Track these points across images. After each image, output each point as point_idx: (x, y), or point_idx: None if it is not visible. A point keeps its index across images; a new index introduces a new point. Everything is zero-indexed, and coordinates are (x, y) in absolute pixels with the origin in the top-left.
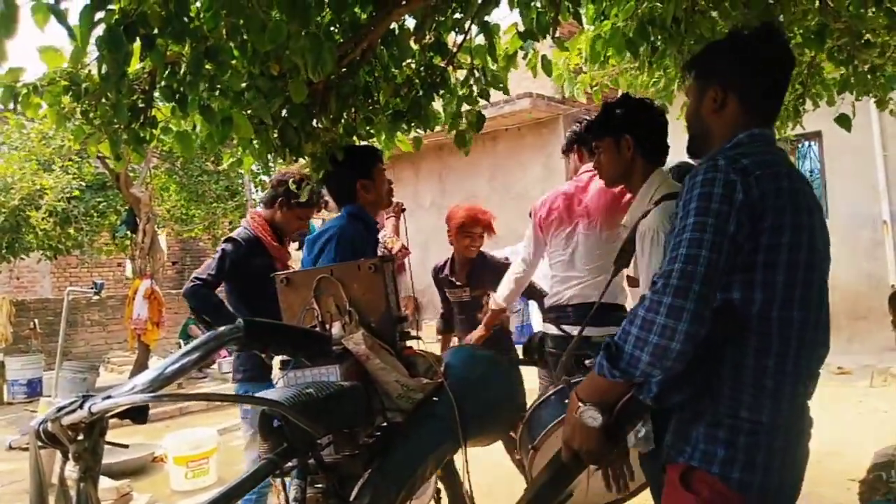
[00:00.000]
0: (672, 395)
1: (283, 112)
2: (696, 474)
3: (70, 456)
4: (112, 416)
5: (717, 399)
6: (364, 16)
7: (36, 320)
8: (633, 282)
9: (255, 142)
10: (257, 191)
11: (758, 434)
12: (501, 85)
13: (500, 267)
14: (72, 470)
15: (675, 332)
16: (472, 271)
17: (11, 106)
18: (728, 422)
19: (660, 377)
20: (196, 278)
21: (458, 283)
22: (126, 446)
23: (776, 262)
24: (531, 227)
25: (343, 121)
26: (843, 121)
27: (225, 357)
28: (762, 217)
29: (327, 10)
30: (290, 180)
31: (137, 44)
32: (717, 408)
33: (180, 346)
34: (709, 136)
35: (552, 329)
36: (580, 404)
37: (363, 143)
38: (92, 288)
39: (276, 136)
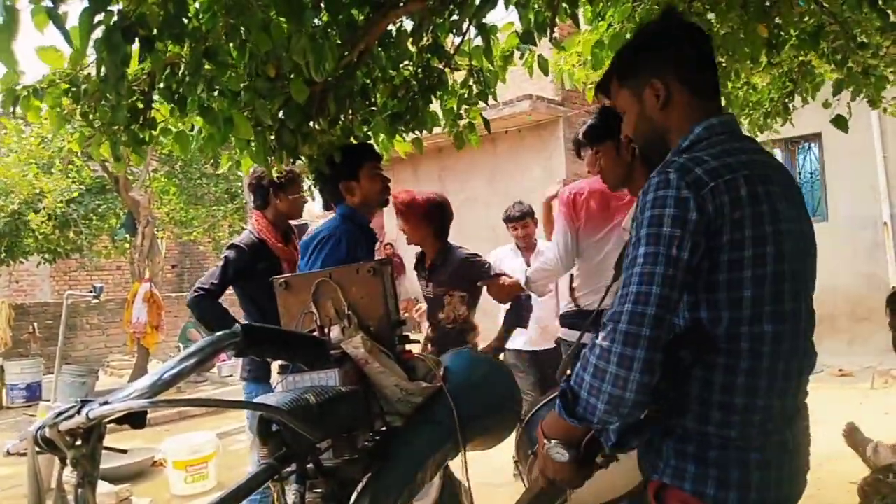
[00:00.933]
0: (632, 440)
1: (281, 114)
2: (671, 492)
3: (68, 462)
4: (110, 422)
5: (685, 415)
6: (361, 17)
7: (35, 324)
8: None
9: (252, 144)
10: None
11: (728, 449)
12: (492, 90)
13: (464, 265)
14: (70, 476)
15: (626, 382)
16: (434, 266)
17: (12, 109)
18: (696, 437)
19: (617, 425)
20: (199, 288)
21: (422, 276)
22: (125, 451)
23: (740, 279)
24: (562, 221)
25: (341, 122)
26: (840, 122)
27: (224, 361)
28: (719, 233)
29: (324, 11)
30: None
31: (136, 45)
32: (685, 424)
33: (179, 350)
34: (666, 136)
35: (573, 336)
36: (545, 441)
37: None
38: (91, 291)
39: (272, 137)
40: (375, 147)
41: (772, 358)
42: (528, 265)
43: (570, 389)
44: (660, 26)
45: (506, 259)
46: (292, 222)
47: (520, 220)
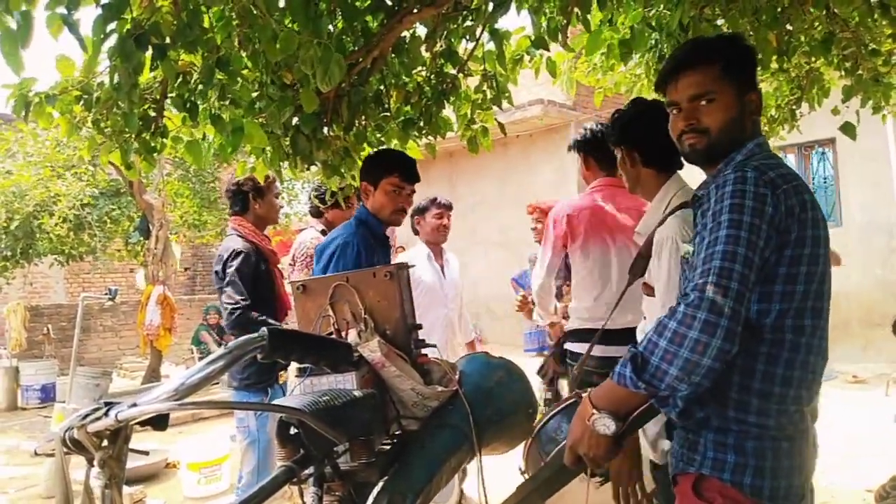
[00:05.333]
0: (696, 410)
1: (295, 120)
2: (708, 482)
3: (95, 463)
4: (135, 424)
5: (724, 405)
6: (375, 24)
7: (49, 326)
8: (650, 290)
9: (267, 150)
10: None
11: (764, 439)
12: (507, 95)
13: None
14: (95, 477)
15: (707, 348)
16: None
17: (23, 115)
18: (735, 428)
19: (685, 392)
20: (234, 309)
21: None
22: (147, 453)
23: (797, 274)
24: (550, 239)
25: (355, 128)
26: (849, 129)
27: None
28: (788, 230)
29: (339, 18)
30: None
31: (149, 53)
32: (725, 414)
33: (192, 352)
34: (737, 144)
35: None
36: (594, 411)
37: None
38: (106, 294)
39: (287, 144)
40: (409, 165)
41: (807, 351)
42: (444, 275)
43: (640, 355)
44: (747, 45)
45: (420, 263)
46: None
47: (449, 208)
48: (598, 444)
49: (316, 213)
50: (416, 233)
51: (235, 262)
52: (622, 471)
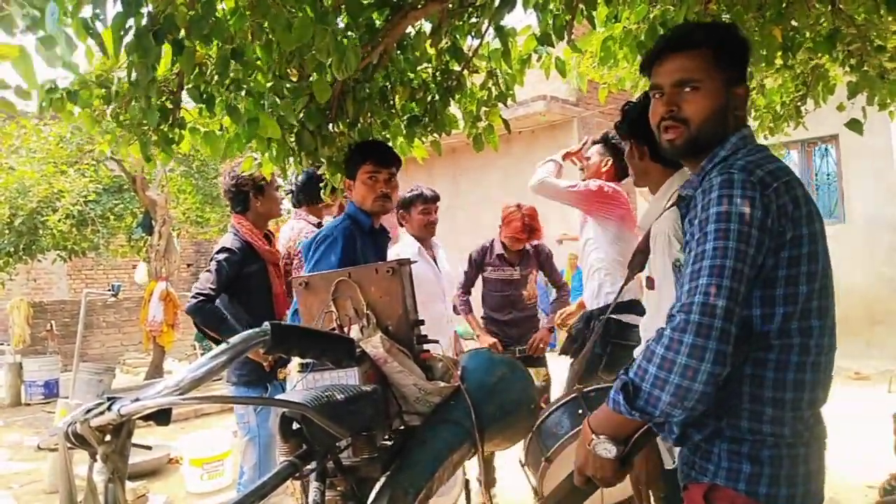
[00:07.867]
0: (694, 434)
1: (301, 116)
2: (721, 492)
3: (98, 457)
4: (138, 418)
5: (738, 416)
6: (380, 20)
7: (53, 322)
8: (651, 283)
9: (273, 146)
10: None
11: (780, 447)
12: (510, 93)
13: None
14: (98, 472)
15: (696, 373)
16: (524, 253)
17: (50, 111)
18: (750, 438)
19: (680, 418)
20: (199, 294)
21: (504, 263)
22: (149, 448)
23: (797, 275)
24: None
25: (359, 125)
26: (855, 125)
27: None
28: (782, 232)
29: (344, 14)
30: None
31: (166, 46)
32: (738, 424)
33: (195, 348)
34: (719, 138)
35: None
36: (593, 436)
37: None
38: (109, 290)
39: (293, 140)
40: (379, 150)
41: (817, 352)
42: (438, 268)
43: (630, 382)
44: (740, 34)
45: (411, 257)
46: None
47: (434, 201)
48: (603, 467)
49: (298, 203)
50: (402, 225)
51: (220, 256)
52: (641, 473)
